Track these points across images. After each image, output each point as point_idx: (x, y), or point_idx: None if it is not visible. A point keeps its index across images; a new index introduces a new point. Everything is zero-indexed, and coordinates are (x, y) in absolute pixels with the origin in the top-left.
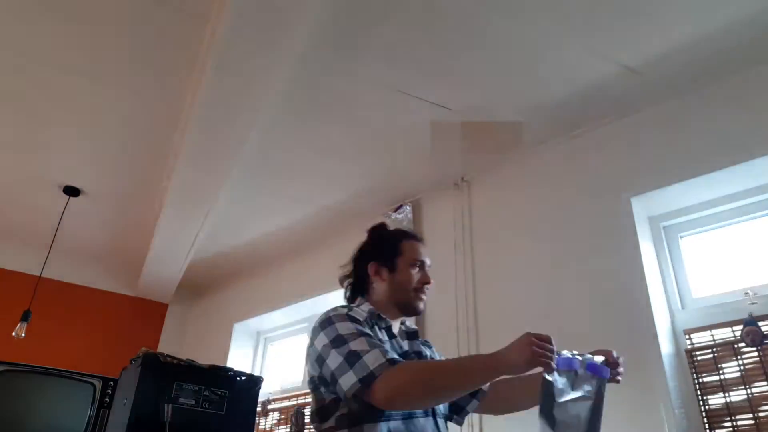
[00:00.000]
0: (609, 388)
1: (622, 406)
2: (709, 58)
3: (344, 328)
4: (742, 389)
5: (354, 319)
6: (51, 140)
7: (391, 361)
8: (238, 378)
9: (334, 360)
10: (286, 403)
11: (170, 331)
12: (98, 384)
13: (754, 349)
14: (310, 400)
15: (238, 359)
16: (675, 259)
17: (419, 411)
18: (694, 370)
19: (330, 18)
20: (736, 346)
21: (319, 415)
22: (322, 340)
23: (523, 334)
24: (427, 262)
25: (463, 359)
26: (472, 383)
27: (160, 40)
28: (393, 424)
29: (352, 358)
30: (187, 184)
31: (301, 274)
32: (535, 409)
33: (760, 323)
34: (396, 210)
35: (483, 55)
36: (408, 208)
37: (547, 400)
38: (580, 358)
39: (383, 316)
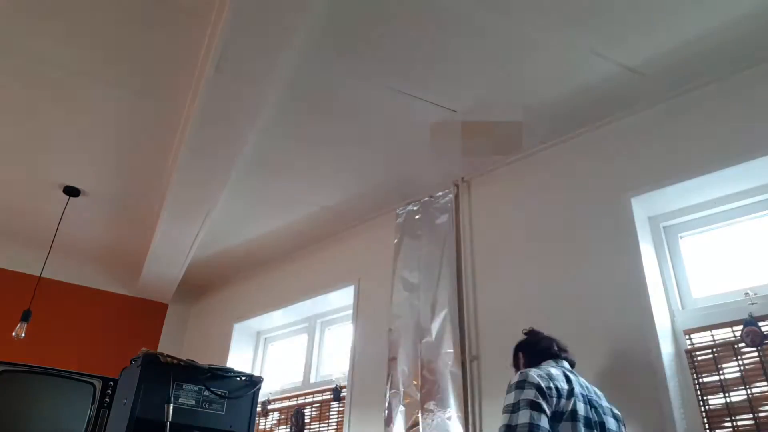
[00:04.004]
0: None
1: (622, 407)
2: (709, 58)
3: None
4: (742, 389)
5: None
6: (51, 140)
7: None
8: (238, 378)
9: None
10: (286, 403)
11: (170, 331)
12: (98, 384)
13: (754, 349)
14: (309, 400)
15: (238, 359)
16: (675, 259)
17: None
18: (694, 371)
19: (330, 18)
20: (736, 346)
21: None
22: None
23: None
24: None
25: None
26: None
27: (159, 40)
28: None
29: None
30: (187, 185)
31: (300, 274)
32: None
33: (760, 323)
34: (405, 206)
35: (483, 55)
36: (410, 208)
37: None
38: None
39: None
